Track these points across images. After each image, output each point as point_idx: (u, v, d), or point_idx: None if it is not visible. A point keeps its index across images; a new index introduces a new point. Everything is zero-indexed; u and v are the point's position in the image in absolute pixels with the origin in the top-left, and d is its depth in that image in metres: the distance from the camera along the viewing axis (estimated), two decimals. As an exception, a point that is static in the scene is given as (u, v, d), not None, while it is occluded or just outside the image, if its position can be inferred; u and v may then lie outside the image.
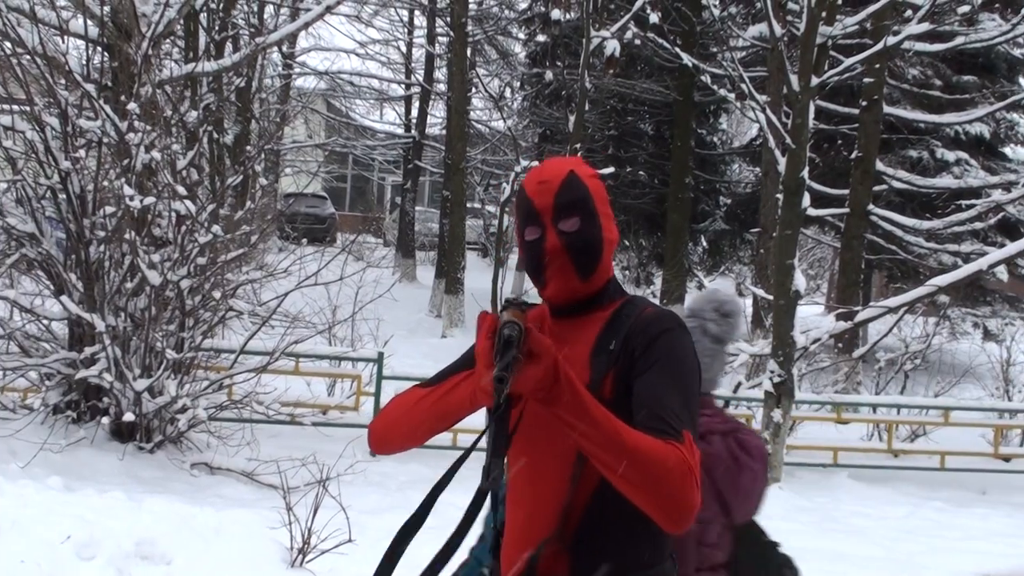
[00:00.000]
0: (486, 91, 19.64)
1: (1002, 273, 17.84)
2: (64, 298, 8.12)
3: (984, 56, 19.39)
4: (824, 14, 9.47)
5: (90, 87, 8.25)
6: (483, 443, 2.04)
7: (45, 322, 8.84)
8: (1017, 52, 20.31)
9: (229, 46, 16.81)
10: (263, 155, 20.67)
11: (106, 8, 9.42)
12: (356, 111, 29.63)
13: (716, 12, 14.48)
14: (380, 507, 7.94)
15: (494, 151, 25.71)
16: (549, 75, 16.14)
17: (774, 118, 9.88)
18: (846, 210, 16.12)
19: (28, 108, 8.10)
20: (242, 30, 18.35)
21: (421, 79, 25.08)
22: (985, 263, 10.54)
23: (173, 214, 8.52)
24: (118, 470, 8.09)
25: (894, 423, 12.01)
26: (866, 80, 15.53)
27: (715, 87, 10.67)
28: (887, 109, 16.73)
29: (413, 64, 26.30)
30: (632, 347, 2.13)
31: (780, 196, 9.99)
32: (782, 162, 9.77)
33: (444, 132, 23.61)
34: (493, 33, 22.94)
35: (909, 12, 13.72)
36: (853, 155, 16.20)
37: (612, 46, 10.20)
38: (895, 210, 17.49)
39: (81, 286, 8.37)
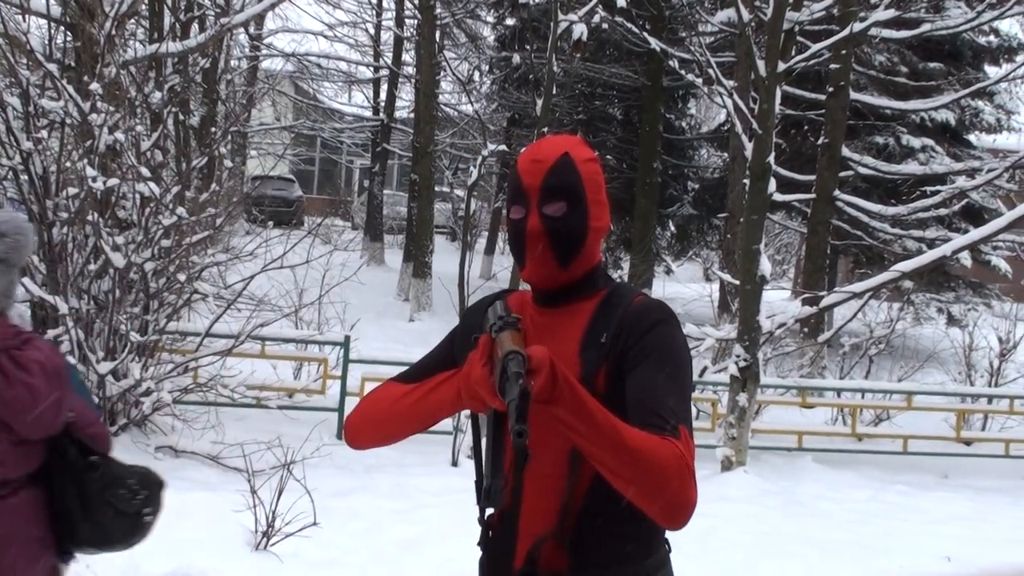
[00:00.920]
0: (454, 74, 19.53)
1: (966, 259, 18.09)
2: (26, 280, 8.03)
3: (950, 43, 19.53)
4: (791, 0, 9.49)
5: (52, 67, 8.16)
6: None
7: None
8: (982, 40, 20.47)
9: (195, 27, 16.63)
10: (229, 137, 20.58)
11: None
12: (324, 93, 29.46)
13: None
14: (345, 490, 7.93)
15: (463, 135, 25.63)
16: (517, 59, 16.09)
17: (741, 103, 9.91)
18: (812, 196, 16.22)
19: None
20: (208, 11, 18.17)
21: (389, 62, 24.96)
22: (949, 249, 10.62)
23: (137, 196, 8.44)
24: (81, 453, 8.03)
25: (858, 407, 12.11)
26: (833, 66, 15.61)
27: (683, 72, 10.68)
28: (854, 95, 16.82)
29: (381, 47, 26.15)
30: (623, 340, 2.11)
31: (747, 181, 10.02)
32: (749, 147, 9.80)
33: (412, 115, 23.52)
34: (462, 16, 22.84)
35: (876, -1, 13.79)
36: (820, 141, 16.29)
37: (580, 30, 10.18)
38: (861, 196, 17.60)
39: (44, 268, 8.29)
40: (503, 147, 12.09)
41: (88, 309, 8.37)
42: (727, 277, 11.42)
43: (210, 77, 19.57)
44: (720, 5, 19.08)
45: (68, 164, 8.07)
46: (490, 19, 24.45)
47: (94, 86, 7.82)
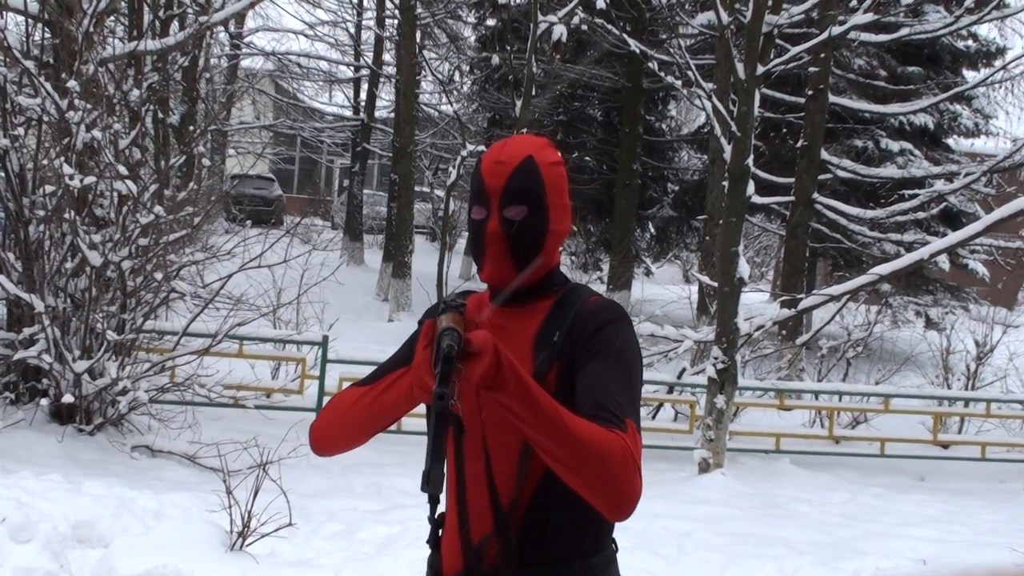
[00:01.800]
0: (434, 74, 19.55)
1: (944, 263, 18.20)
2: (1, 278, 7.98)
3: (929, 48, 19.64)
4: (770, 3, 9.53)
5: (30, 64, 8.10)
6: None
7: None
8: (961, 44, 20.59)
9: (175, 25, 16.54)
10: (209, 136, 20.49)
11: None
12: (304, 93, 29.39)
13: (665, -1, 14.50)
14: (322, 491, 7.91)
15: (443, 135, 25.62)
16: (496, 59, 16.07)
17: (720, 106, 9.93)
18: (791, 198, 16.28)
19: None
20: (188, 9, 18.08)
21: (370, 61, 24.92)
22: (927, 252, 10.67)
23: (115, 194, 8.40)
24: (57, 452, 7.98)
25: (835, 410, 12.16)
26: (812, 69, 15.67)
27: (662, 74, 10.70)
28: (833, 99, 16.88)
29: (362, 46, 26.11)
30: (575, 338, 2.12)
31: (726, 184, 10.05)
32: (728, 150, 9.82)
33: (393, 115, 23.49)
34: (442, 16, 22.81)
35: (855, 2, 13.85)
36: (798, 144, 16.35)
37: (559, 31, 10.18)
38: (840, 199, 17.68)
39: (20, 266, 8.24)
40: (483, 148, 12.06)
41: (64, 307, 8.33)
42: (705, 279, 11.46)
43: (190, 75, 19.48)
44: (700, 8, 19.14)
45: (45, 162, 8.02)
46: (471, 19, 24.45)
47: (71, 83, 7.78)
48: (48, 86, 8.02)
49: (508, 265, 2.19)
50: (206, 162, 10.15)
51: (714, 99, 9.98)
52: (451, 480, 2.24)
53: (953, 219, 19.04)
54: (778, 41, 11.53)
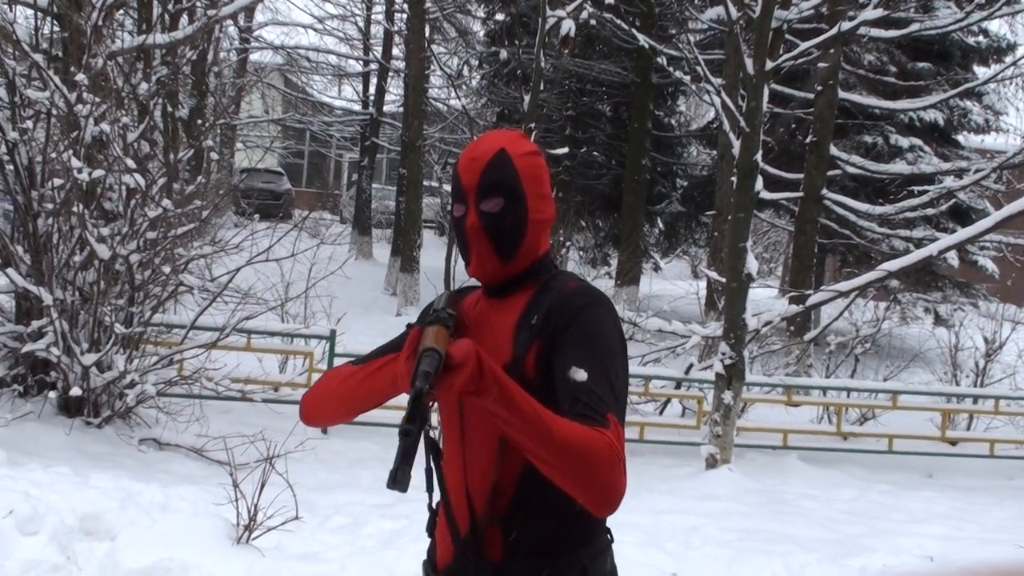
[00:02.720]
0: (442, 69, 19.50)
1: (953, 259, 18.14)
2: (10, 271, 8.00)
3: (939, 44, 19.56)
4: (780, -2, 9.50)
5: (39, 57, 8.10)
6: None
7: (-6, 296, 8.73)
8: (971, 40, 20.50)
9: (185, 19, 16.55)
10: (218, 130, 20.51)
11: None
12: (313, 87, 29.40)
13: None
14: (329, 484, 7.92)
15: (452, 130, 25.60)
16: (504, 54, 16.05)
17: (728, 101, 9.91)
18: (800, 194, 16.24)
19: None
20: (197, 2, 18.09)
21: (379, 56, 24.91)
22: (935, 249, 10.63)
23: (123, 188, 8.41)
24: (65, 445, 8.00)
25: (843, 406, 12.13)
26: (821, 65, 15.62)
27: (671, 69, 10.69)
28: (842, 94, 16.85)
29: (371, 40, 26.10)
30: (553, 322, 2.13)
31: (734, 179, 10.02)
32: (736, 145, 9.80)
33: (401, 110, 23.47)
34: (452, 11, 22.79)
35: (865, -2, 13.81)
36: (807, 140, 16.30)
37: (568, 26, 10.16)
38: (849, 195, 17.64)
39: (29, 259, 8.25)
40: None
41: (73, 300, 8.34)
42: (713, 275, 11.42)
43: (199, 69, 19.50)
44: (709, 3, 19.08)
45: (54, 155, 8.03)
46: (480, 14, 24.42)
47: (79, 77, 7.78)
48: (57, 79, 8.03)
49: (492, 258, 2.21)
50: (214, 156, 10.14)
51: (723, 94, 9.95)
52: (446, 471, 2.27)
53: (963, 215, 18.98)
54: (788, 36, 11.48)
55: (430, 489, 2.29)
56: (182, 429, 8.70)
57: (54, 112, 8.21)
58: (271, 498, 5.79)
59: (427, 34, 22.41)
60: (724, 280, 10.31)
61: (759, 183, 9.89)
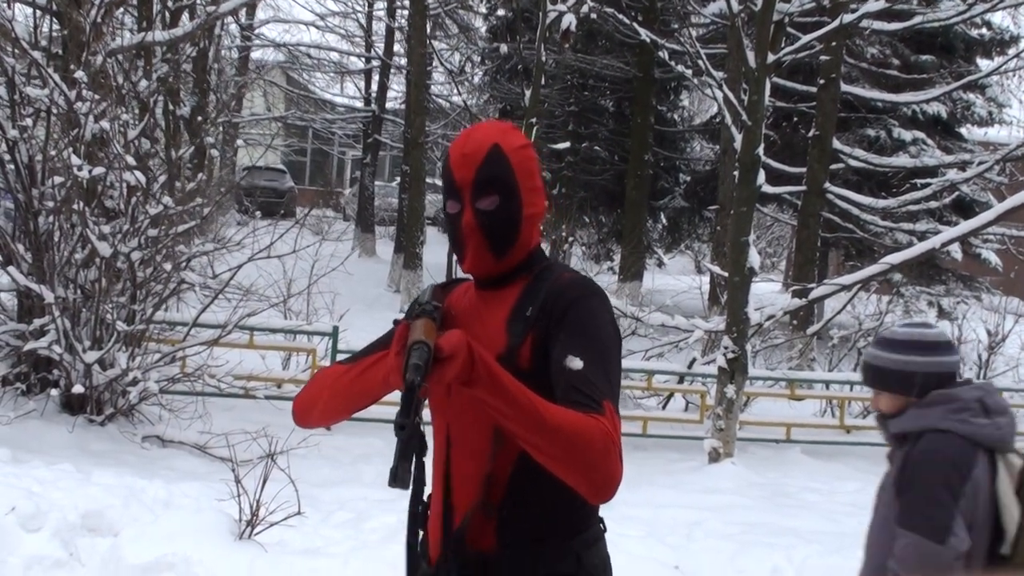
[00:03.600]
0: (443, 65, 19.47)
1: (956, 252, 18.10)
2: (12, 269, 8.00)
3: (942, 36, 19.51)
4: (781, -9, 9.49)
5: (38, 55, 8.10)
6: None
7: (-3, 294, 8.74)
8: (974, 33, 20.46)
9: (186, 16, 16.56)
10: (220, 127, 20.52)
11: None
12: (315, 84, 29.38)
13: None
14: (332, 480, 7.93)
15: (455, 126, 25.58)
16: (504, 48, 16.04)
17: (730, 95, 9.90)
18: (803, 188, 16.21)
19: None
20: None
21: (381, 52, 24.90)
22: (938, 241, 10.62)
23: (124, 185, 8.41)
24: (68, 442, 8.01)
25: (846, 399, 12.11)
26: (823, 58, 15.59)
27: (672, 63, 10.68)
28: (845, 88, 16.81)
29: (373, 37, 26.08)
30: (548, 313, 2.14)
31: (736, 173, 10.01)
32: (738, 139, 9.79)
33: (404, 106, 23.47)
34: (454, 6, 22.76)
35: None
36: (810, 133, 16.27)
37: (568, 20, 10.15)
38: (853, 189, 17.61)
39: (30, 257, 8.26)
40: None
41: (75, 298, 8.34)
42: (716, 269, 11.42)
43: (200, 66, 19.50)
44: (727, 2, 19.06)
45: (53, 153, 8.02)
46: (482, 10, 24.39)
47: (78, 74, 7.79)
48: (56, 77, 8.03)
49: (487, 255, 2.21)
50: (214, 153, 10.13)
51: (724, 88, 9.94)
52: (434, 464, 2.28)
53: (966, 208, 18.93)
54: (789, 29, 11.48)
55: (421, 482, 2.30)
56: (185, 426, 8.71)
57: (54, 110, 8.20)
58: (273, 494, 5.80)
59: (429, 30, 22.39)
60: (726, 274, 10.31)
61: (761, 177, 9.87)
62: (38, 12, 8.94)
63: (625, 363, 11.42)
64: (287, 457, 6.45)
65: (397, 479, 1.81)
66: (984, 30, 20.70)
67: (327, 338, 10.46)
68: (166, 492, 6.56)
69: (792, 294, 11.68)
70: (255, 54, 27.52)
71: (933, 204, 16.65)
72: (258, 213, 10.33)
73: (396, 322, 2.00)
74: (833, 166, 17.00)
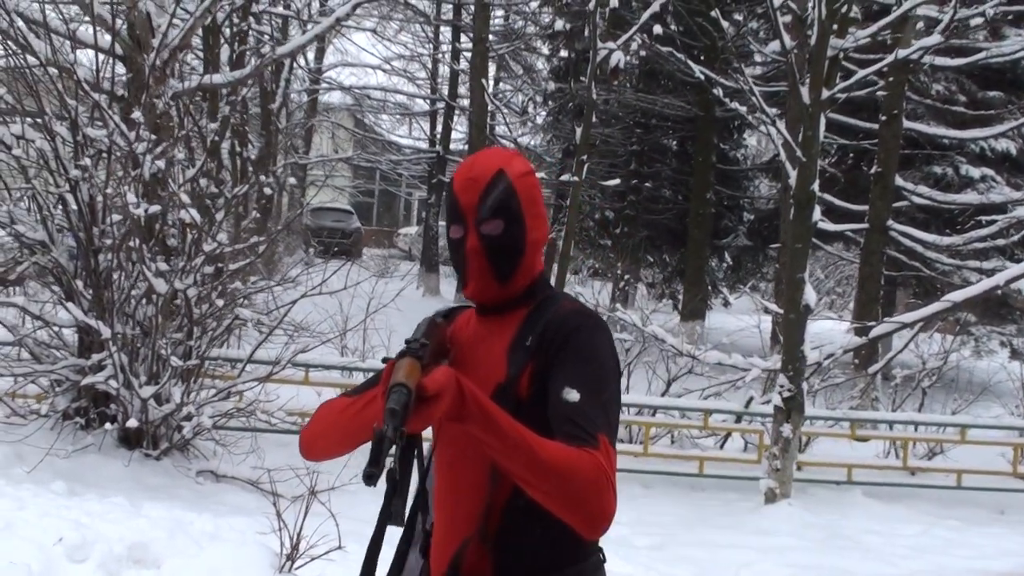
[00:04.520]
0: (492, 102, 19.50)
1: (1026, 290, 17.67)
2: (71, 305, 8.18)
3: (1011, 71, 19.21)
4: (835, 27, 9.42)
5: (101, 97, 8.32)
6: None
7: (56, 329, 8.91)
8: (1044, 67, 20.10)
9: (252, 59, 16.94)
10: (288, 169, 20.87)
11: (120, 21, 9.50)
12: (382, 126, 29.81)
13: (730, 27, 14.43)
14: (375, 516, 7.93)
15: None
16: (551, 86, 16.15)
17: (783, 131, 9.83)
18: (865, 226, 16.00)
19: (39, 118, 8.18)
20: (265, 43, 18.51)
21: (445, 94, 25.20)
22: (1002, 279, 10.41)
23: (180, 223, 8.58)
24: (123, 476, 8.13)
25: (910, 440, 11.85)
26: (884, 94, 15.42)
27: (726, 100, 10.65)
28: (909, 124, 16.60)
29: (438, 80, 26.43)
30: (547, 343, 2.13)
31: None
32: (793, 175, 9.71)
33: (467, 147, 23.69)
34: (516, 47, 22.97)
35: (923, 26, 13.63)
36: (872, 170, 16.07)
37: (617, 57, 10.20)
38: (920, 226, 17.34)
39: (90, 293, 8.43)
40: (571, 177, 11.87)
41: (133, 334, 8.50)
42: (773, 307, 11.30)
43: (267, 109, 19.91)
44: (773, 35, 18.98)
45: (108, 190, 8.19)
46: (545, 51, 24.59)
47: (135, 115, 7.98)
48: (116, 118, 8.23)
49: (491, 280, 2.21)
50: (267, 191, 10.28)
51: (778, 124, 9.88)
52: (435, 492, 2.28)
53: (1037, 246, 18.51)
54: (848, 65, 11.39)
55: (424, 511, 2.30)
56: (239, 461, 8.79)
57: (115, 152, 8.40)
58: (316, 528, 5.83)
59: (493, 72, 22.62)
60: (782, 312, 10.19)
61: (816, 213, 9.77)
62: (103, 56, 9.17)
63: (681, 402, 11.39)
64: (336, 493, 6.48)
65: (393, 516, 1.85)
66: (1054, 65, 20.33)
67: (381, 375, 10.47)
68: (213, 525, 6.63)
69: (855, 332, 11.51)
70: (323, 97, 28.00)
71: (1000, 241, 16.32)
72: (313, 251, 10.45)
73: (385, 360, 1.99)
74: (897, 204, 16.77)
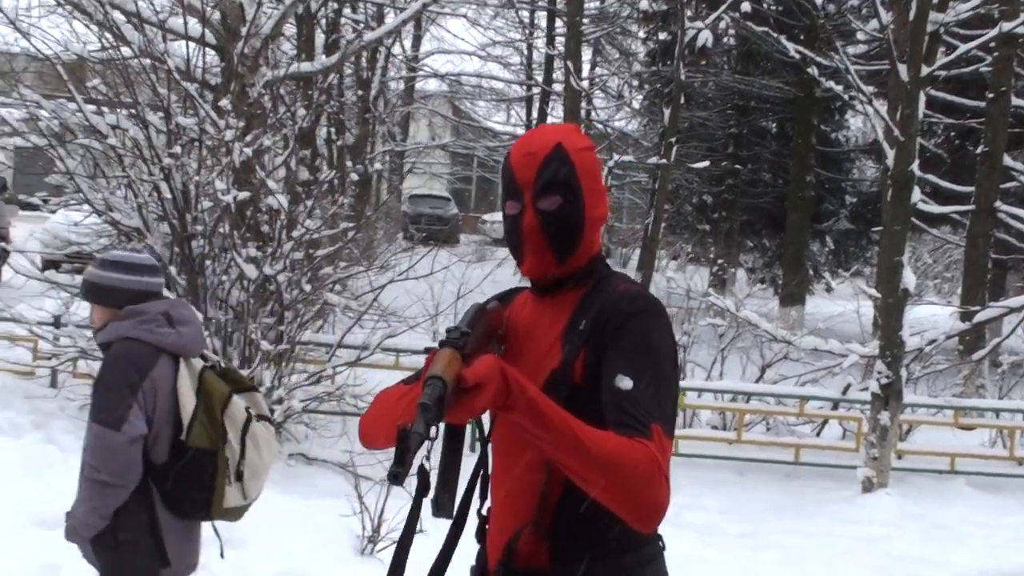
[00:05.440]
0: (578, 85, 19.24)
1: None
2: (166, 292, 8.33)
3: None
4: (935, 1, 9.11)
5: (190, 85, 8.45)
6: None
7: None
8: None
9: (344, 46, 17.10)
10: (385, 156, 21.06)
11: (212, 10, 9.65)
12: (478, 112, 29.87)
13: (829, 3, 14.08)
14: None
15: (617, 152, 25.55)
16: (636, 67, 15.94)
17: (880, 109, 9.55)
18: (971, 207, 15.47)
19: (133, 108, 8.36)
20: (360, 29, 18.64)
21: (541, 80, 25.13)
22: (1115, 261, 9.97)
23: (270, 209, 8.68)
24: (216, 458, 8.26)
25: (1017, 429, 11.43)
26: (991, 70, 14.87)
27: (822, 79, 10.38)
28: (1018, 102, 15.98)
29: (534, 65, 26.39)
30: (602, 328, 2.06)
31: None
32: (890, 155, 9.44)
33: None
34: (612, 31, 22.77)
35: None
36: (979, 150, 15.53)
37: (705, 37, 9.99)
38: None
39: (184, 280, 8.59)
40: (659, 159, 11.70)
41: (226, 319, 8.63)
42: (872, 292, 11.00)
43: (364, 97, 20.10)
44: (875, 12, 18.48)
45: (197, 178, 8.32)
46: (641, 34, 24.34)
47: (223, 102, 8.09)
48: (207, 107, 8.35)
49: (549, 257, 2.14)
50: (353, 176, 10.36)
51: (875, 103, 9.60)
52: (492, 478, 2.23)
53: None
54: (951, 40, 11.02)
55: (481, 495, 2.25)
56: (329, 444, 8.89)
57: (207, 140, 8.53)
58: (398, 511, 5.84)
59: (589, 56, 22.45)
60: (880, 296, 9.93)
61: (916, 194, 9.48)
62: (195, 46, 9.31)
63: (777, 388, 11.16)
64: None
65: (440, 507, 1.79)
66: None
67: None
68: (300, 508, 6.69)
69: (959, 317, 11.16)
70: (419, 85, 28.17)
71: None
72: (414, 238, 10.52)
73: (427, 350, 1.93)
74: (1005, 184, 16.17)
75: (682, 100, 21.65)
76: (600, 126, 25.41)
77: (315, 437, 8.95)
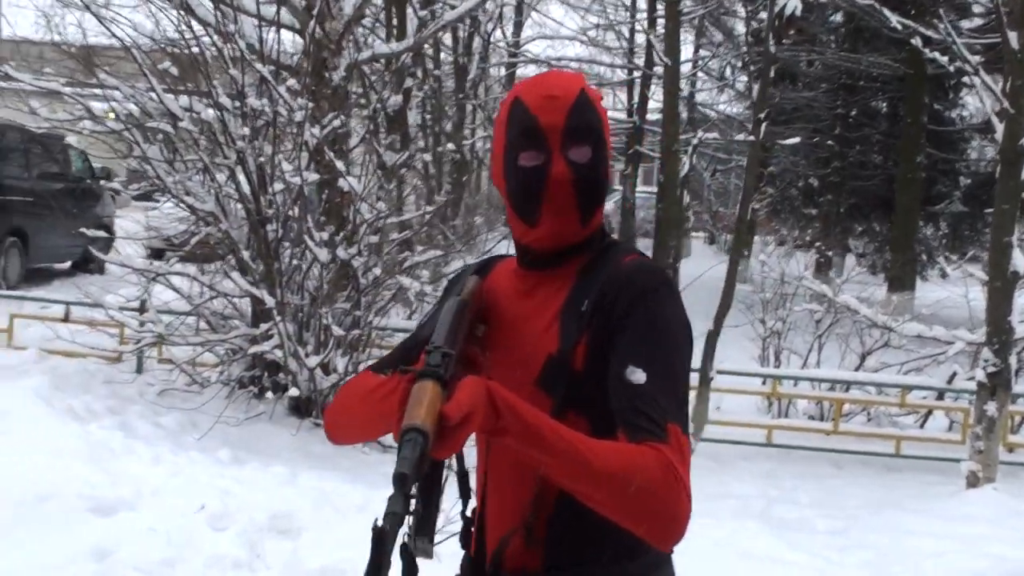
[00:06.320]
0: (662, 61, 18.78)
1: None
2: (235, 275, 8.28)
3: None
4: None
5: (263, 68, 8.34)
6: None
7: (233, 299, 9.06)
8: None
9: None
10: (484, 142, 20.88)
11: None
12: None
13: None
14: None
15: (722, 135, 25.03)
16: (719, 48, 15.42)
17: (988, 80, 8.97)
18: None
19: (207, 90, 8.29)
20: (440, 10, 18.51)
21: (642, 63, 24.73)
22: None
23: (346, 193, 8.55)
24: (290, 445, 8.17)
25: None
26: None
27: (927, 51, 9.81)
28: None
29: (635, 48, 25.98)
30: (607, 308, 1.78)
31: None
32: (999, 129, 8.85)
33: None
34: (713, 12, 22.22)
35: None
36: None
37: (794, 5, 9.51)
38: None
39: (259, 264, 8.51)
40: (747, 136, 11.33)
41: (301, 304, 8.53)
42: (979, 275, 10.39)
43: (461, 81, 19.98)
44: (990, -19, 17.61)
45: (276, 161, 8.22)
46: (742, 13, 23.74)
47: (291, 82, 7.96)
48: (280, 89, 8.23)
49: (574, 219, 1.86)
50: (426, 157, 10.16)
51: (982, 74, 9.02)
52: (481, 481, 2.02)
53: None
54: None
55: (463, 495, 2.03)
56: (404, 432, 8.72)
57: (281, 121, 8.42)
58: (455, 504, 5.63)
59: (692, 38, 21.91)
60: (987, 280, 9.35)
61: (1028, 170, 8.87)
62: (267, 26, 9.21)
63: (878, 377, 10.62)
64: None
65: (419, 552, 1.66)
66: None
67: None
68: (363, 497, 6.52)
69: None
70: (520, 71, 28.00)
71: None
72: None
73: (403, 370, 1.63)
74: None
75: (784, 79, 21.12)
76: (704, 110, 24.91)
77: (392, 424, 8.79)
